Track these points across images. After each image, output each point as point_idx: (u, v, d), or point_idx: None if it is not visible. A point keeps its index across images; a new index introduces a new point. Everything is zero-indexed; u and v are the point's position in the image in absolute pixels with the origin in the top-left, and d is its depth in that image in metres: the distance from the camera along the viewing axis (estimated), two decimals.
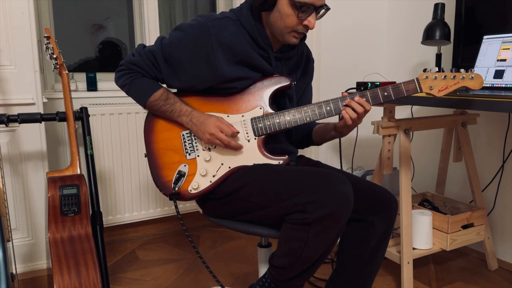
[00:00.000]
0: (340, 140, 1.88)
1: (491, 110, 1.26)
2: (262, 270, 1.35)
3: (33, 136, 1.79)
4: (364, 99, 1.18)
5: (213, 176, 1.21)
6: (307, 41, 2.25)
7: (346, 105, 1.17)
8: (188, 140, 1.24)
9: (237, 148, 1.21)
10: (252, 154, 1.22)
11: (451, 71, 1.19)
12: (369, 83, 1.71)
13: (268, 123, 1.22)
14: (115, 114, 2.10)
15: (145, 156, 1.27)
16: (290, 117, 1.21)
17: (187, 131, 1.25)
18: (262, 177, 1.14)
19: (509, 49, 1.54)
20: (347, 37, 2.57)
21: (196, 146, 1.23)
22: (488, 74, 1.56)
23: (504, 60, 1.54)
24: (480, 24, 1.79)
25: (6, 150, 1.76)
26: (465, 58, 1.85)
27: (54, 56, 1.57)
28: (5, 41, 1.70)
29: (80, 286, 1.27)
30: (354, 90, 1.83)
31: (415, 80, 1.18)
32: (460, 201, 1.96)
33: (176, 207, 1.21)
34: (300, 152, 1.42)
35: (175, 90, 1.30)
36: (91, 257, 1.32)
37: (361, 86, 1.74)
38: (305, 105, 1.21)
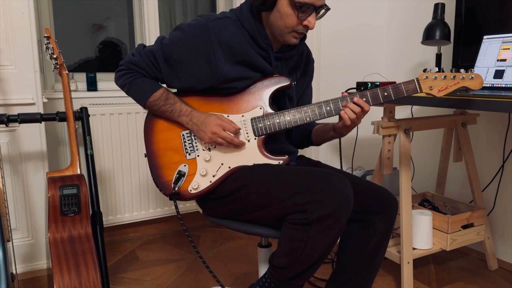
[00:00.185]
0: (340, 140, 1.88)
1: (491, 110, 1.26)
2: (262, 270, 1.35)
3: (33, 136, 1.79)
4: (364, 99, 1.18)
5: (213, 176, 1.21)
6: (307, 41, 2.25)
7: (345, 106, 1.17)
8: (188, 140, 1.24)
9: (240, 145, 1.20)
10: (252, 154, 1.22)
11: (451, 71, 1.19)
12: (369, 83, 1.71)
13: (268, 123, 1.22)
14: (115, 114, 2.10)
15: (145, 156, 1.27)
16: (290, 117, 1.21)
17: (187, 131, 1.25)
18: (262, 177, 1.14)
19: (509, 49, 1.54)
20: (347, 37, 2.57)
21: (196, 146, 1.23)
22: (488, 74, 1.56)
23: (504, 60, 1.54)
24: (480, 24, 1.79)
25: (6, 150, 1.76)
26: (465, 58, 1.85)
27: (54, 56, 1.57)
28: (5, 41, 1.70)
29: (80, 286, 1.27)
30: (354, 90, 1.83)
31: (415, 80, 1.18)
32: (460, 201, 1.96)
33: (176, 207, 1.21)
34: (300, 152, 1.42)
35: (175, 90, 1.30)
36: (91, 257, 1.32)
37: (361, 86, 1.74)
38: (305, 105, 1.21)
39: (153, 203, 2.25)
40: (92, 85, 2.15)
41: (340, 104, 1.19)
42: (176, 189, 1.20)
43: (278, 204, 1.07)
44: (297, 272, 1.08)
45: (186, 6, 2.52)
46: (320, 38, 2.46)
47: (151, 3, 2.23)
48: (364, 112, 1.17)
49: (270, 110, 1.23)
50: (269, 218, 1.12)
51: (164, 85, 1.27)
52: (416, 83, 1.18)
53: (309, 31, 1.91)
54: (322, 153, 2.57)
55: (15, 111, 1.73)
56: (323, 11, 1.19)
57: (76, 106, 2.02)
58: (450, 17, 1.98)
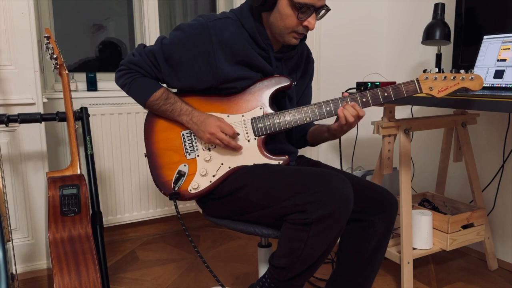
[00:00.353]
0: (340, 140, 1.88)
1: (491, 110, 1.26)
2: (262, 270, 1.35)
3: (33, 136, 1.79)
4: (364, 99, 1.18)
5: (213, 176, 1.21)
6: (307, 41, 2.25)
7: (344, 107, 1.17)
8: (188, 140, 1.24)
9: (237, 148, 1.21)
10: (252, 154, 1.22)
11: (451, 71, 1.19)
12: (369, 83, 1.71)
13: (268, 123, 1.22)
14: (115, 114, 2.10)
15: (145, 156, 1.27)
16: (290, 117, 1.21)
17: (187, 131, 1.25)
18: (262, 177, 1.14)
19: (509, 49, 1.54)
20: (347, 37, 2.57)
21: (196, 146, 1.23)
22: (488, 74, 1.56)
23: (504, 60, 1.54)
24: (480, 24, 1.79)
25: (6, 150, 1.76)
26: (465, 58, 1.85)
27: (54, 56, 1.57)
28: (5, 41, 1.70)
29: (80, 286, 1.27)
30: (354, 90, 1.83)
31: (415, 81, 1.18)
32: (460, 201, 1.96)
33: (176, 207, 1.21)
34: (300, 152, 1.42)
35: (175, 90, 1.30)
36: (91, 257, 1.32)
37: (361, 86, 1.74)
38: (305, 106, 1.21)
39: (153, 203, 2.25)
40: (92, 85, 2.15)
41: (340, 104, 1.19)
42: (176, 189, 1.20)
43: (278, 204, 1.07)
44: (297, 272, 1.09)
45: (186, 6, 2.52)
46: (320, 38, 2.46)
47: (151, 3, 2.23)
48: (359, 117, 1.17)
49: (270, 110, 1.23)
50: (269, 218, 1.12)
51: (165, 85, 1.27)
52: (416, 84, 1.18)
53: (309, 31, 1.91)
54: (322, 153, 2.57)
55: (15, 111, 1.73)
56: (323, 11, 1.18)
57: (76, 106, 2.02)
58: (450, 17, 1.98)
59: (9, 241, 1.39)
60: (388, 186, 2.26)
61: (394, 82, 1.63)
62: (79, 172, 1.47)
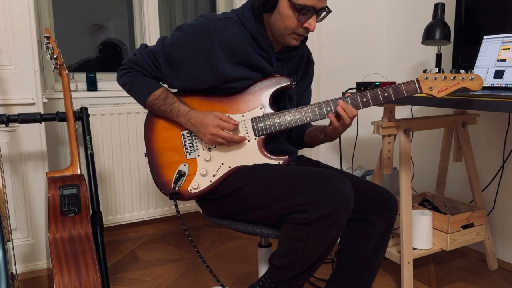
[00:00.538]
0: (340, 140, 1.89)
1: (491, 110, 1.26)
2: (262, 270, 1.35)
3: (33, 136, 1.79)
4: (364, 99, 1.18)
5: (213, 175, 1.21)
6: (307, 41, 2.25)
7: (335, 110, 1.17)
8: (188, 139, 1.24)
9: (241, 141, 1.20)
10: (252, 154, 1.22)
11: (451, 71, 1.19)
12: (369, 83, 1.71)
13: (269, 123, 1.22)
14: (115, 114, 2.10)
15: (145, 156, 1.27)
16: (291, 117, 1.21)
17: (187, 131, 1.25)
18: (262, 177, 1.14)
19: (509, 49, 1.54)
20: (347, 37, 2.57)
21: (196, 145, 1.23)
22: (488, 74, 1.56)
23: (504, 60, 1.54)
24: (480, 24, 1.79)
25: (6, 150, 1.76)
26: (465, 58, 1.85)
27: (54, 56, 1.57)
28: (5, 41, 1.70)
29: (80, 286, 1.27)
30: (354, 90, 1.83)
31: (415, 81, 1.18)
32: (460, 201, 1.96)
33: (176, 206, 1.21)
34: (300, 152, 1.42)
35: (175, 90, 1.30)
36: (91, 257, 1.32)
37: (361, 86, 1.74)
38: (305, 106, 1.21)
39: (153, 203, 2.25)
40: (92, 85, 2.15)
41: None
42: (176, 188, 1.20)
43: (278, 204, 1.07)
44: (297, 272, 1.09)
45: (186, 6, 2.52)
46: (320, 38, 2.46)
47: (151, 3, 2.23)
48: (353, 116, 1.17)
49: (270, 110, 1.23)
50: (269, 218, 1.12)
51: (165, 85, 1.27)
52: (416, 84, 1.18)
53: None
54: (322, 153, 2.57)
55: (15, 111, 1.73)
56: (324, 13, 1.18)
57: (76, 106, 2.02)
58: (450, 17, 1.98)
59: (9, 241, 1.39)
60: (388, 186, 2.26)
61: (394, 82, 1.63)
62: (79, 172, 1.47)
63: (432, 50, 2.28)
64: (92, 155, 1.67)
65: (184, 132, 1.25)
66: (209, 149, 1.23)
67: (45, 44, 1.60)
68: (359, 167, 2.60)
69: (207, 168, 1.22)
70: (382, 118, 1.69)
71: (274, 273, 1.12)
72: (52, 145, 2.04)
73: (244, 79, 1.23)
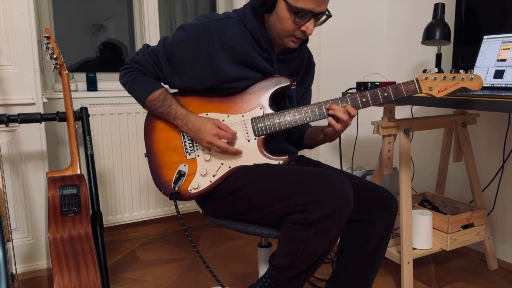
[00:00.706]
0: (340, 140, 1.89)
1: (491, 110, 1.26)
2: (262, 270, 1.35)
3: (33, 136, 1.79)
4: (364, 99, 1.18)
5: (213, 176, 1.21)
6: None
7: (332, 112, 1.17)
8: (188, 140, 1.24)
9: (236, 153, 1.20)
10: (252, 154, 1.22)
11: (451, 71, 1.19)
12: (369, 83, 1.71)
13: (268, 123, 1.22)
14: (115, 114, 2.10)
15: (145, 156, 1.27)
16: (290, 117, 1.21)
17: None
18: (262, 177, 1.14)
19: (509, 49, 1.54)
20: (347, 37, 2.56)
21: (196, 146, 1.23)
22: (488, 74, 1.56)
23: (504, 60, 1.54)
24: (480, 24, 1.79)
25: (6, 150, 1.76)
26: (465, 58, 1.85)
27: (54, 56, 1.57)
28: (5, 41, 1.70)
29: (80, 286, 1.27)
30: (354, 90, 1.83)
31: (415, 81, 1.18)
32: (460, 201, 1.96)
33: (176, 206, 1.21)
34: (300, 152, 1.42)
35: (176, 90, 1.30)
36: (91, 257, 1.32)
37: (361, 86, 1.74)
38: (305, 106, 1.21)
39: (153, 203, 2.25)
40: (92, 85, 2.15)
41: (340, 104, 1.19)
42: (176, 188, 1.20)
43: (278, 204, 1.07)
44: (297, 272, 1.09)
45: (186, 6, 2.52)
46: (320, 38, 2.46)
47: (151, 3, 2.23)
48: (351, 116, 1.17)
49: (270, 110, 1.23)
50: (269, 218, 1.12)
51: (166, 86, 1.27)
52: (416, 84, 1.18)
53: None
54: (322, 153, 2.57)
55: (15, 111, 1.73)
56: (324, 17, 1.17)
57: (76, 106, 2.01)
58: (450, 17, 1.98)
59: (9, 241, 1.39)
60: (388, 186, 2.26)
61: (394, 82, 1.63)
62: (79, 172, 1.47)
63: (432, 50, 2.28)
64: (92, 155, 1.67)
65: (184, 132, 1.25)
66: (209, 150, 1.23)
67: (45, 44, 1.60)
68: (359, 167, 2.60)
69: (207, 168, 1.22)
70: (382, 118, 1.70)
71: (274, 273, 1.12)
72: (52, 145, 2.04)
73: (244, 79, 1.23)
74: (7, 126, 1.56)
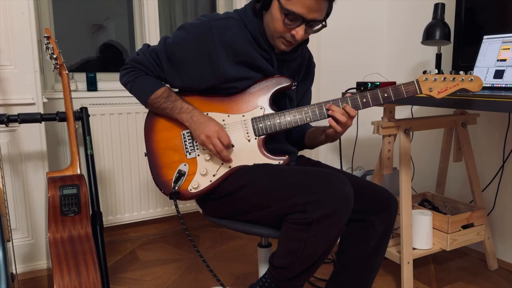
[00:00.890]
0: (340, 140, 1.89)
1: (491, 110, 1.26)
2: (262, 270, 1.35)
3: (33, 136, 1.79)
4: (364, 100, 1.18)
5: (213, 175, 1.21)
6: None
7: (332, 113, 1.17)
8: (189, 139, 1.24)
9: (226, 160, 1.19)
10: (252, 154, 1.22)
11: (451, 72, 1.20)
12: (369, 83, 1.71)
13: (269, 123, 1.22)
14: (115, 114, 2.10)
15: (145, 155, 1.27)
16: (291, 117, 1.21)
17: (188, 131, 1.25)
18: (263, 177, 1.14)
19: (509, 49, 1.54)
20: (347, 37, 2.57)
21: (197, 145, 1.24)
22: (488, 74, 1.56)
23: (504, 60, 1.54)
24: (480, 24, 1.79)
25: (6, 150, 1.76)
26: (465, 58, 1.85)
27: (54, 56, 1.57)
28: (5, 41, 1.70)
29: (80, 286, 1.27)
30: (354, 90, 1.83)
31: (415, 82, 1.18)
32: (460, 201, 1.96)
33: (176, 206, 1.21)
34: (300, 152, 1.42)
35: (176, 90, 1.30)
36: (91, 257, 1.32)
37: (361, 86, 1.74)
38: (305, 106, 1.21)
39: (153, 203, 2.25)
40: (92, 85, 2.15)
41: (340, 104, 1.19)
42: (176, 188, 1.20)
43: (278, 204, 1.07)
44: (297, 272, 1.08)
45: (186, 6, 2.52)
46: (320, 38, 2.46)
47: (151, 3, 2.23)
48: (351, 117, 1.16)
49: (270, 110, 1.23)
50: (269, 218, 1.12)
51: (168, 85, 1.27)
52: (416, 85, 1.18)
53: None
54: (322, 153, 2.57)
55: (15, 111, 1.73)
56: (318, 26, 1.16)
57: (76, 106, 2.01)
58: (450, 17, 1.98)
59: (9, 241, 1.39)
60: (388, 186, 2.26)
61: (394, 82, 1.63)
62: (79, 172, 1.47)
63: (432, 50, 2.28)
64: (92, 155, 1.67)
65: (184, 131, 1.25)
66: (203, 148, 1.23)
67: (45, 44, 1.60)
68: (359, 167, 2.60)
69: (207, 168, 1.22)
70: (382, 118, 1.70)
71: (274, 273, 1.12)
72: (52, 145, 2.04)
73: (245, 79, 1.23)
74: (7, 126, 1.56)
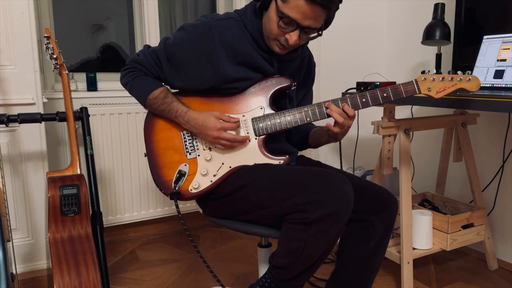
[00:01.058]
0: (340, 141, 1.88)
1: (491, 110, 1.26)
2: (262, 270, 1.35)
3: (33, 136, 1.79)
4: (364, 100, 1.18)
5: (214, 175, 1.21)
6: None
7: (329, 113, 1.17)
8: (189, 139, 1.24)
9: (245, 140, 1.20)
10: (252, 154, 1.22)
11: (449, 72, 1.20)
12: (369, 83, 1.71)
13: (269, 123, 1.22)
14: (115, 114, 2.10)
15: (145, 156, 1.27)
16: (291, 117, 1.21)
17: (188, 130, 1.25)
18: (263, 177, 1.14)
19: (509, 49, 1.54)
20: (347, 37, 2.57)
21: (197, 145, 1.24)
22: (488, 74, 1.57)
23: (504, 60, 1.54)
24: (480, 24, 1.79)
25: (6, 150, 1.76)
26: (465, 58, 1.85)
27: (54, 56, 1.57)
28: (5, 41, 1.70)
29: (80, 286, 1.27)
30: (354, 90, 1.83)
31: (414, 82, 1.18)
32: (460, 201, 1.96)
33: (177, 206, 1.21)
34: (300, 152, 1.42)
35: (176, 90, 1.30)
36: (91, 257, 1.32)
37: (361, 86, 1.74)
38: (305, 106, 1.21)
39: (153, 203, 2.25)
40: (92, 85, 2.15)
41: (340, 104, 1.19)
42: (177, 188, 1.20)
43: (279, 204, 1.07)
44: (297, 272, 1.09)
45: (186, 6, 2.52)
46: (320, 38, 2.46)
47: (151, 3, 2.23)
48: (350, 117, 1.16)
49: (270, 111, 1.23)
50: (269, 218, 1.13)
51: (167, 86, 1.27)
52: (415, 85, 1.18)
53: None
54: (322, 153, 2.57)
55: (15, 111, 1.73)
56: (314, 34, 1.14)
57: (76, 106, 2.02)
58: (450, 17, 1.98)
59: (9, 241, 1.39)
60: (388, 186, 2.26)
61: (394, 82, 1.63)
62: (79, 172, 1.47)
63: (432, 50, 2.29)
64: (92, 155, 1.67)
65: (185, 131, 1.25)
66: (210, 149, 1.23)
67: (45, 44, 1.60)
68: (359, 167, 2.60)
69: (208, 168, 1.22)
70: (382, 118, 1.70)
71: (274, 273, 1.12)
72: (52, 145, 2.04)
73: (245, 80, 1.23)
74: (7, 126, 1.56)
